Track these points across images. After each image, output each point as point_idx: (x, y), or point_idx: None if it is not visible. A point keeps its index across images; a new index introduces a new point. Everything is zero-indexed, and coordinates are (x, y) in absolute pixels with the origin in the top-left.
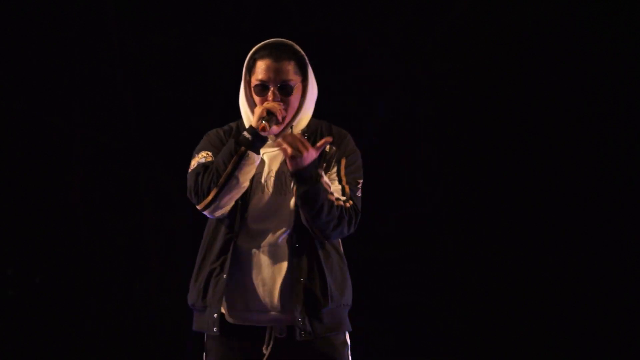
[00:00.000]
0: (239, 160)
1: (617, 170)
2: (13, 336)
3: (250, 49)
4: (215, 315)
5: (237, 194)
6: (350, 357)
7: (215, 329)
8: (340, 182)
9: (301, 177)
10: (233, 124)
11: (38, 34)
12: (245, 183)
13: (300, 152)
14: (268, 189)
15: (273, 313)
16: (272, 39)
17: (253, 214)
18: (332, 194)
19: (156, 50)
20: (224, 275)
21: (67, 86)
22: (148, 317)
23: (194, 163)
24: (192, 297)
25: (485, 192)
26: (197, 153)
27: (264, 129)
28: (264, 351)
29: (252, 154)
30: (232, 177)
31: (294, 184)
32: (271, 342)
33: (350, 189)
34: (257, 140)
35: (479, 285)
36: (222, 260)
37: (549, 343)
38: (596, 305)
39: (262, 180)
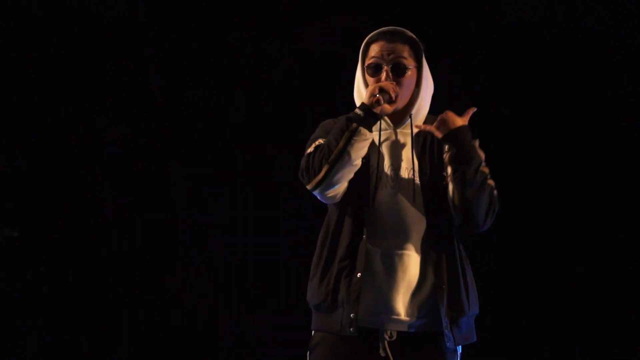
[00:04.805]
0: (351, 136)
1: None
2: (45, 332)
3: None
4: (352, 315)
5: (349, 172)
6: None
7: (351, 329)
8: None
9: (452, 136)
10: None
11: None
12: (357, 161)
13: (445, 120)
14: (393, 184)
15: (405, 318)
16: (386, 27)
17: (380, 210)
18: (485, 164)
19: (186, 47)
20: (358, 275)
21: (97, 84)
22: (179, 315)
23: (309, 150)
24: (317, 297)
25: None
26: (312, 142)
27: (377, 102)
28: (381, 353)
29: (364, 130)
30: (343, 153)
31: (446, 147)
32: (387, 346)
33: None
34: (369, 116)
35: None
36: (352, 259)
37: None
38: (596, 305)
39: (385, 175)
